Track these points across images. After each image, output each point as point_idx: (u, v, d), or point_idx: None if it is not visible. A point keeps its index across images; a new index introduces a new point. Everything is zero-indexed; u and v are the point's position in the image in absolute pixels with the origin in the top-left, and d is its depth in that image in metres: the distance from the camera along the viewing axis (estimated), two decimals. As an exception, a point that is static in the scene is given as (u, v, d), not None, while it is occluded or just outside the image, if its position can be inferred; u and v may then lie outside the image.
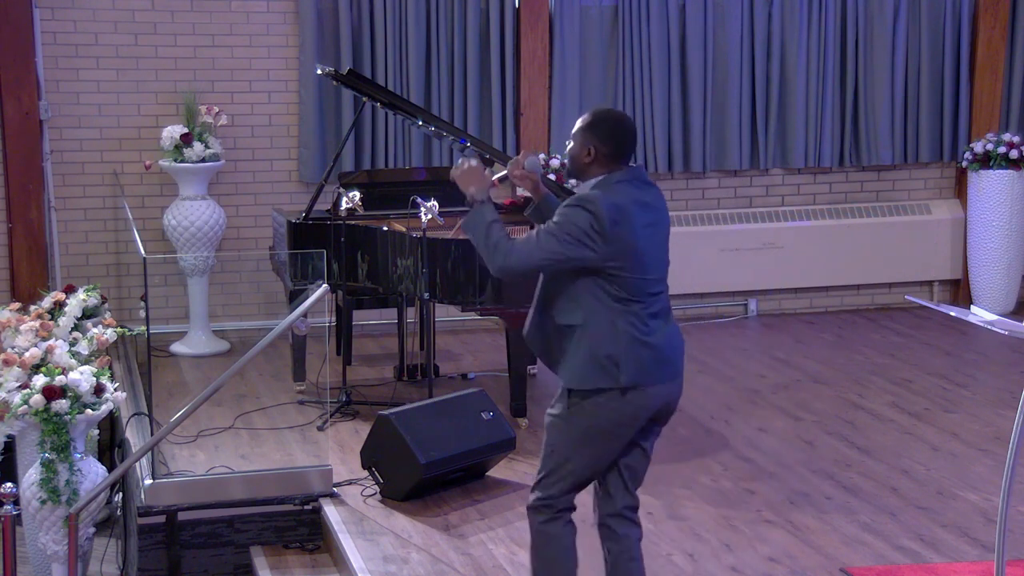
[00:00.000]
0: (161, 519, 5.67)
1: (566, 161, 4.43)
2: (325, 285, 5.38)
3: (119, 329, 6.39)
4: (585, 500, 5.80)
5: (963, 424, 6.78)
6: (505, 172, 4.47)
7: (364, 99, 7.04)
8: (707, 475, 6.06)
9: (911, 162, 9.34)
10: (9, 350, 5.84)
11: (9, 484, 5.34)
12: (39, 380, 5.53)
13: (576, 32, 8.73)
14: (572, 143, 4.26)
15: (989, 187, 9.05)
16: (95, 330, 6.25)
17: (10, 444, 6.15)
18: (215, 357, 8.00)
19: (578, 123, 4.25)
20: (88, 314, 6.74)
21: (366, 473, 5.94)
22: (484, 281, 6.43)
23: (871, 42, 9.11)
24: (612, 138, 4.19)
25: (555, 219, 4.13)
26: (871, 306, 9.41)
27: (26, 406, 5.48)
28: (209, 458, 6.22)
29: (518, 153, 8.61)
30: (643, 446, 4.42)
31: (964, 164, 9.16)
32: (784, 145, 9.12)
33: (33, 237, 8.13)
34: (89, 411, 5.55)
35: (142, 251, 6.28)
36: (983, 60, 9.24)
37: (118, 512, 6.28)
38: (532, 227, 4.47)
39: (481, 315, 7.46)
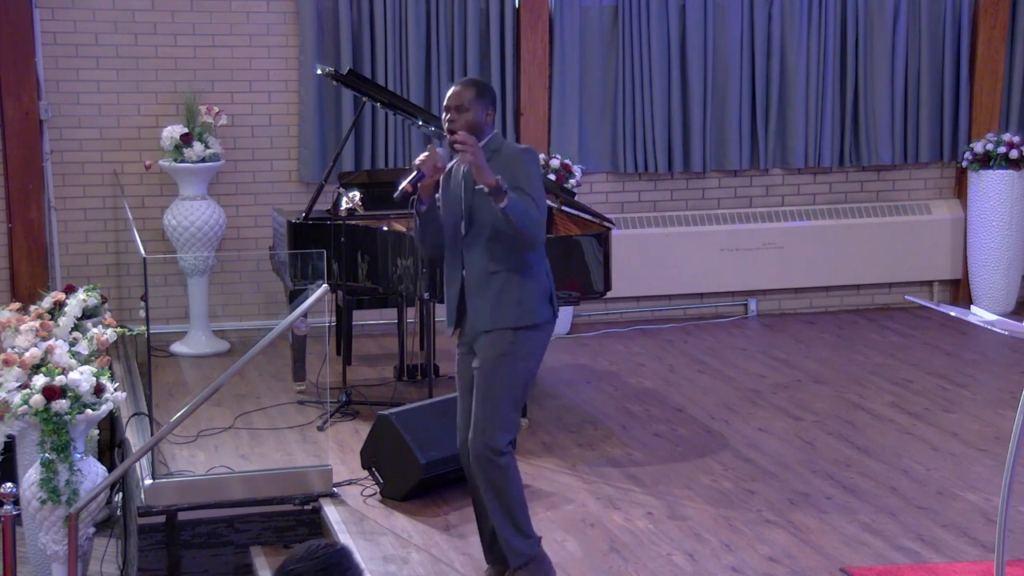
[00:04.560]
0: (161, 519, 5.67)
1: (456, 135, 4.67)
2: (325, 285, 5.39)
3: (119, 329, 6.39)
4: (586, 500, 5.81)
5: (963, 424, 6.78)
6: (416, 174, 4.71)
7: (364, 99, 7.04)
8: (707, 475, 6.06)
9: (911, 162, 9.34)
10: (9, 350, 5.84)
11: (9, 484, 5.34)
12: (39, 380, 5.53)
13: (576, 32, 8.73)
14: (469, 112, 4.69)
15: (989, 187, 9.05)
16: (95, 330, 6.25)
17: (10, 444, 6.15)
18: (215, 357, 7.99)
19: (466, 94, 4.71)
20: (88, 314, 6.73)
21: (366, 473, 5.94)
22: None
23: (871, 42, 9.11)
24: (495, 100, 4.81)
25: (526, 171, 4.68)
26: (871, 306, 9.41)
27: (26, 406, 5.48)
28: (209, 458, 6.22)
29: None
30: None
31: (964, 164, 9.16)
32: (784, 145, 9.12)
33: (33, 237, 8.13)
34: (89, 411, 5.55)
35: (142, 251, 6.28)
36: (983, 60, 9.24)
37: (118, 512, 6.28)
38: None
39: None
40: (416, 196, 4.77)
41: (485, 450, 4.72)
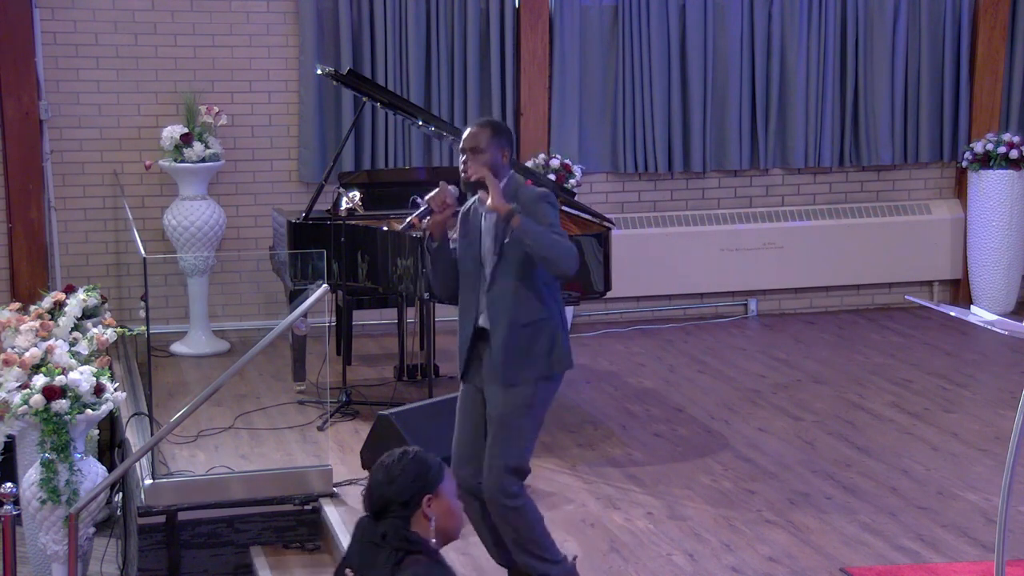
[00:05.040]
0: (161, 519, 5.67)
1: (475, 176, 4.65)
2: (325, 285, 5.39)
3: (119, 329, 6.39)
4: (586, 500, 5.81)
5: (963, 424, 6.78)
6: (424, 209, 4.68)
7: (364, 99, 7.04)
8: (707, 475, 6.06)
9: (911, 162, 9.33)
10: (9, 350, 5.84)
11: (9, 484, 5.34)
12: (39, 380, 5.53)
13: (576, 32, 8.73)
14: (485, 153, 4.60)
15: (989, 187, 9.05)
16: (95, 330, 6.25)
17: (10, 444, 6.15)
18: (215, 357, 7.99)
19: (482, 135, 4.63)
20: (88, 314, 6.73)
21: (366, 473, 5.94)
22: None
23: (871, 42, 9.11)
24: (512, 140, 4.73)
25: (543, 213, 4.58)
26: (871, 306, 9.41)
27: (26, 406, 5.48)
28: (209, 458, 6.22)
29: (517, 155, 8.65)
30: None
31: (964, 164, 9.16)
32: (784, 145, 9.12)
33: (33, 237, 8.13)
34: (89, 411, 5.55)
35: (142, 251, 6.28)
36: (983, 60, 9.24)
37: (118, 512, 6.28)
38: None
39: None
40: (427, 233, 4.71)
41: (500, 495, 4.69)
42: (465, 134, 4.68)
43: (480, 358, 4.75)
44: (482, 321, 4.71)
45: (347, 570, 3.35)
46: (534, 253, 4.52)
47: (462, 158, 4.66)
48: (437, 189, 4.65)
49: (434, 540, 3.32)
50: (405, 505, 3.30)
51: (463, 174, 4.66)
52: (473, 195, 4.75)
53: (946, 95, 9.24)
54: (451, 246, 4.79)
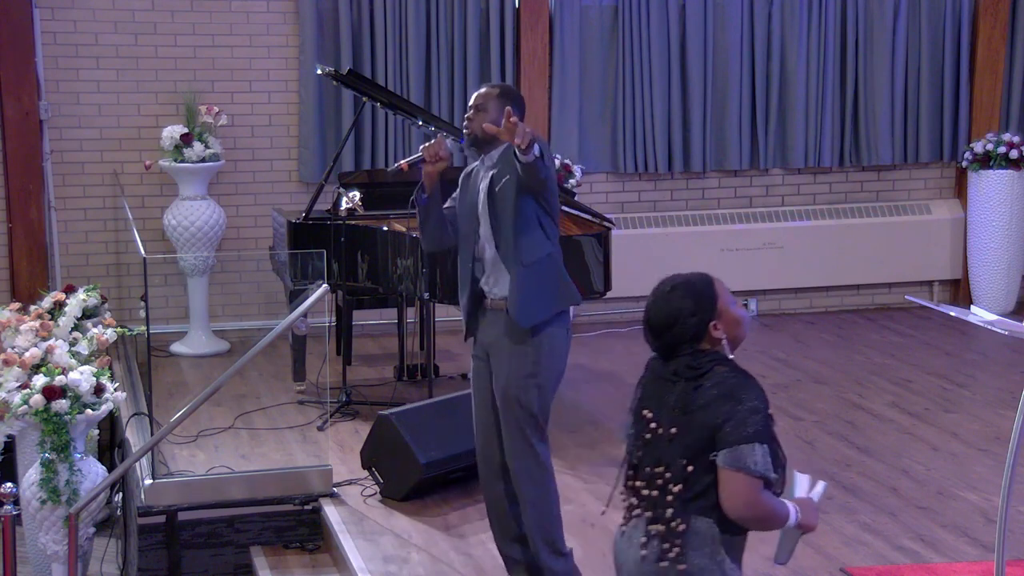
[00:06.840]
0: (161, 519, 5.67)
1: (473, 132, 4.69)
2: (325, 285, 5.39)
3: (119, 329, 6.39)
4: (586, 500, 5.81)
5: (963, 424, 6.78)
6: (417, 156, 4.71)
7: (364, 99, 7.04)
8: (707, 475, 6.05)
9: (911, 162, 9.33)
10: (9, 350, 5.84)
11: (9, 484, 5.34)
12: (39, 380, 5.53)
13: (576, 32, 8.73)
14: (488, 113, 4.62)
15: (989, 187, 9.04)
16: (95, 330, 6.25)
17: (10, 444, 6.15)
18: (215, 357, 7.99)
19: (487, 94, 4.69)
20: (88, 314, 6.74)
21: (366, 473, 5.94)
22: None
23: (871, 42, 9.11)
24: (522, 106, 4.69)
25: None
26: (871, 306, 9.41)
27: (26, 406, 5.48)
28: (209, 458, 6.22)
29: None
30: None
31: (964, 164, 9.16)
32: (784, 145, 9.12)
33: (33, 237, 8.13)
34: (89, 411, 5.55)
35: (142, 251, 6.28)
36: (983, 60, 9.24)
37: (118, 512, 6.28)
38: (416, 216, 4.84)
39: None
40: (419, 185, 4.72)
41: (526, 471, 4.68)
42: (475, 93, 4.76)
43: (479, 323, 4.78)
44: (484, 282, 4.73)
45: (645, 411, 3.35)
46: (531, 170, 4.41)
47: (468, 114, 4.72)
48: (434, 140, 4.68)
49: (730, 354, 3.32)
50: (694, 339, 3.33)
51: (465, 130, 4.70)
52: (475, 153, 4.77)
53: (946, 95, 9.24)
54: (445, 204, 4.80)
